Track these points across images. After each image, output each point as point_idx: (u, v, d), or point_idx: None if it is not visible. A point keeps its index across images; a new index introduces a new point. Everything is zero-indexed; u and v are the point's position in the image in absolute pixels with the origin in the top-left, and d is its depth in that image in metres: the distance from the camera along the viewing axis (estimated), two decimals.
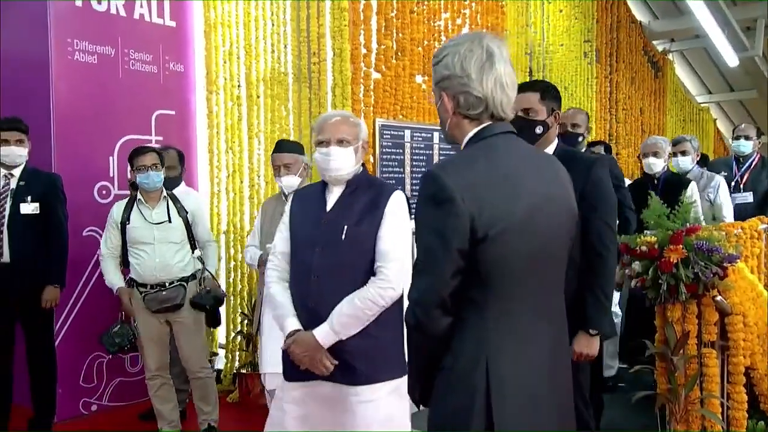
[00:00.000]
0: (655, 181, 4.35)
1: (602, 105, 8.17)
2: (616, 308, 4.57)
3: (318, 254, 2.23)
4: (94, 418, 4.17)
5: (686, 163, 4.71)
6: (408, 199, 2.36)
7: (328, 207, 2.32)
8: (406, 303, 1.62)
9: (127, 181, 4.10)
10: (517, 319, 1.53)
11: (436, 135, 5.66)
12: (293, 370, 2.27)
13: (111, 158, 4.32)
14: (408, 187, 5.45)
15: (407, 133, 5.40)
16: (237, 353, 4.81)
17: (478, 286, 1.50)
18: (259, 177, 4.89)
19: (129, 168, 3.64)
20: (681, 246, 2.70)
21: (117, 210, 3.59)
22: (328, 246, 2.23)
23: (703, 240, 2.73)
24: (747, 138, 5.15)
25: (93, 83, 4.25)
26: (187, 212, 3.64)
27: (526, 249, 1.51)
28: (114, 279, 3.62)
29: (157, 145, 4.43)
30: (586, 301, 2.43)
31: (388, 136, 5.17)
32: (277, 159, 3.36)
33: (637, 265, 2.81)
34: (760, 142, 5.39)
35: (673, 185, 4.24)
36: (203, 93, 4.83)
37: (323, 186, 2.39)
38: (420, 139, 5.52)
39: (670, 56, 10.02)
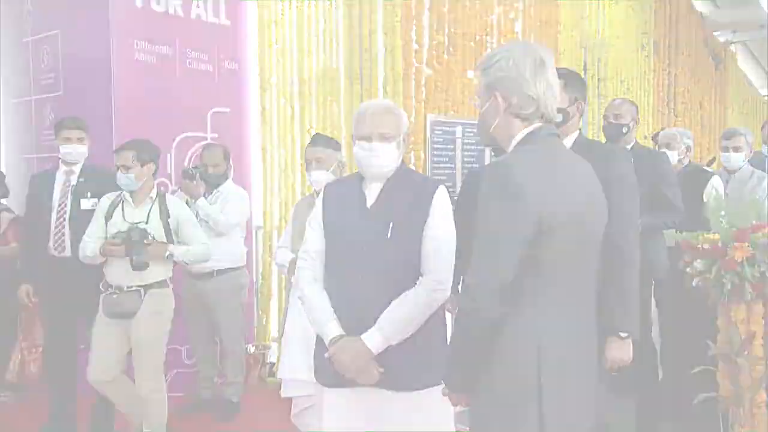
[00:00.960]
0: None
1: (660, 99, 7.93)
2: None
3: (361, 253, 2.07)
4: None
5: (738, 160, 4.20)
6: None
7: (368, 203, 2.15)
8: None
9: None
10: (565, 305, 1.63)
11: None
12: (332, 375, 2.10)
13: (168, 155, 4.42)
14: (459, 183, 5.41)
15: (459, 129, 5.37)
16: None
17: (532, 273, 1.58)
18: None
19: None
20: (747, 243, 2.61)
21: (105, 202, 3.44)
22: (372, 245, 2.07)
23: None
24: None
25: (152, 82, 4.35)
26: (169, 217, 3.43)
27: (576, 240, 1.62)
28: (94, 247, 3.33)
29: (208, 141, 4.52)
30: (612, 300, 2.24)
31: (440, 132, 5.15)
32: (309, 153, 3.21)
33: (699, 263, 2.73)
34: None
35: (692, 180, 3.84)
36: (257, 90, 4.90)
37: (359, 180, 2.20)
38: (471, 135, 5.46)
39: (732, 47, 9.66)
